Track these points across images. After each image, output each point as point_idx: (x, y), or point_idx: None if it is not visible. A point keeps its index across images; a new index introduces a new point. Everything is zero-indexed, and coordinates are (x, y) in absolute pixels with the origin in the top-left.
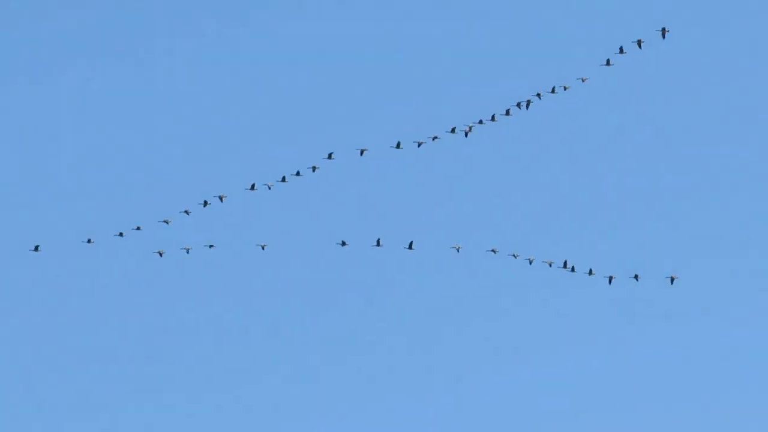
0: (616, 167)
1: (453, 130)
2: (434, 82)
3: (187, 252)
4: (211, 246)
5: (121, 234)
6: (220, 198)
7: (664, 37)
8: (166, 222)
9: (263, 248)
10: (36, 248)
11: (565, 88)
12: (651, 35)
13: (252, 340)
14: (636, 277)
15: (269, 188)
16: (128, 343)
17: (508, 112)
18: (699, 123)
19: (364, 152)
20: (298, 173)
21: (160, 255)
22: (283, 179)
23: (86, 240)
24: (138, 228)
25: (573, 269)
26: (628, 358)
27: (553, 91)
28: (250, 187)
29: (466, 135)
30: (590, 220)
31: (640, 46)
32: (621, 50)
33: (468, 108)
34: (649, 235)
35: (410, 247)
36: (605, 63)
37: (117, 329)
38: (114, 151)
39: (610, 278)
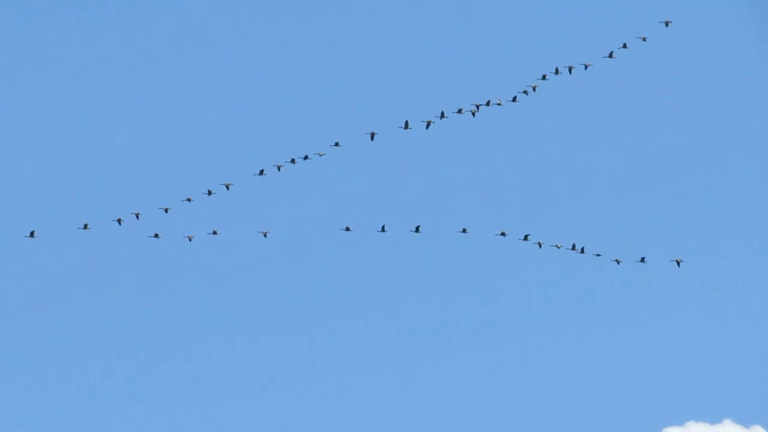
0: (622, 154)
1: (460, 111)
2: (442, 66)
3: (190, 240)
4: (214, 233)
5: (119, 221)
6: (226, 186)
7: (666, 25)
8: (166, 210)
9: (265, 235)
10: (31, 234)
11: (570, 70)
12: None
13: (253, 325)
14: (642, 259)
15: (278, 169)
16: (127, 331)
17: (515, 99)
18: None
19: (374, 135)
20: (306, 157)
21: (156, 237)
22: (293, 161)
23: (82, 226)
24: (137, 214)
25: (582, 250)
26: (635, 338)
27: (556, 71)
28: (258, 172)
29: (473, 114)
30: (598, 204)
31: (642, 40)
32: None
33: (475, 92)
34: (656, 220)
35: (417, 230)
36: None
37: (115, 316)
38: (119, 140)
39: (617, 261)
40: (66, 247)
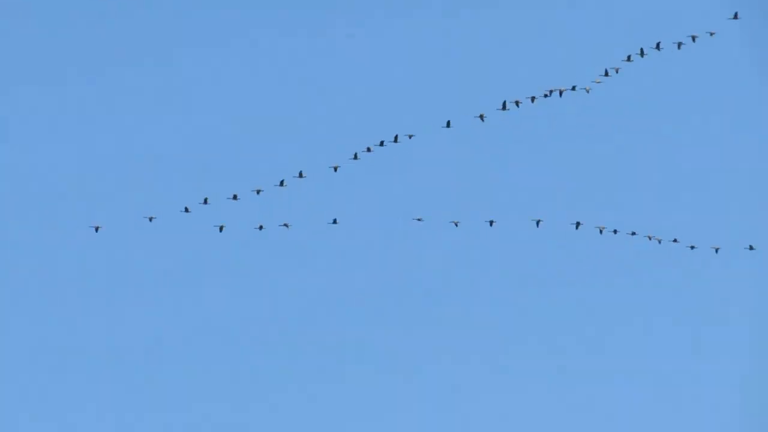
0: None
1: (533, 99)
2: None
3: (260, 229)
4: (285, 225)
5: (186, 209)
6: (300, 175)
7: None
8: (235, 198)
9: (335, 222)
10: (96, 229)
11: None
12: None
13: (325, 318)
14: (716, 249)
15: (355, 158)
16: (192, 322)
17: (586, 90)
18: None
19: (450, 124)
20: (382, 143)
21: (220, 230)
22: (368, 149)
23: (148, 218)
24: (205, 201)
25: (659, 241)
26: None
27: (628, 58)
28: (333, 167)
29: (545, 96)
30: (673, 192)
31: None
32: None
33: (548, 79)
34: (731, 206)
35: (491, 224)
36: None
37: (186, 311)
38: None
39: (692, 247)
40: (131, 238)
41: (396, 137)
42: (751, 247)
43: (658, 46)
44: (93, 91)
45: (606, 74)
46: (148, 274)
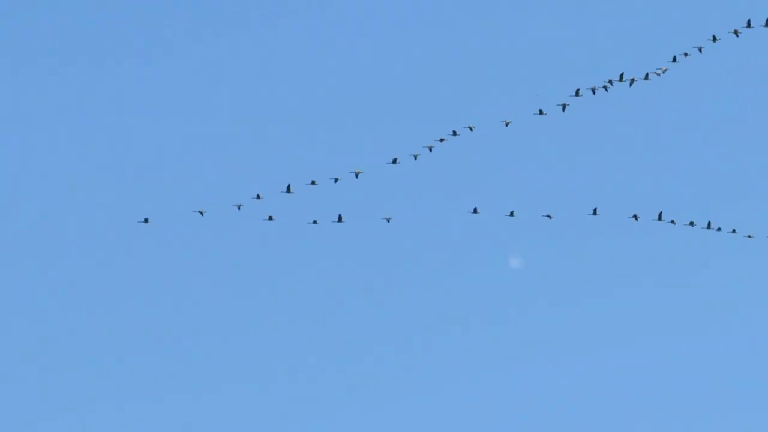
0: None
1: (593, 90)
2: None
3: (315, 223)
4: (340, 220)
5: (239, 206)
6: (356, 174)
7: None
8: (289, 191)
9: (388, 221)
10: (145, 220)
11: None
12: None
13: (378, 312)
14: None
15: (415, 158)
16: (242, 319)
17: (647, 77)
18: None
19: (509, 123)
20: (442, 140)
21: (270, 219)
22: (430, 149)
23: (198, 211)
24: (258, 196)
25: (719, 229)
26: None
27: (685, 55)
28: (392, 161)
29: (604, 87)
30: (730, 181)
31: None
32: None
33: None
34: None
35: (549, 216)
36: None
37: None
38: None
39: (749, 236)
40: (181, 232)
41: (454, 131)
42: None
43: (714, 39)
44: (149, 79)
45: (674, 60)
46: (201, 268)
